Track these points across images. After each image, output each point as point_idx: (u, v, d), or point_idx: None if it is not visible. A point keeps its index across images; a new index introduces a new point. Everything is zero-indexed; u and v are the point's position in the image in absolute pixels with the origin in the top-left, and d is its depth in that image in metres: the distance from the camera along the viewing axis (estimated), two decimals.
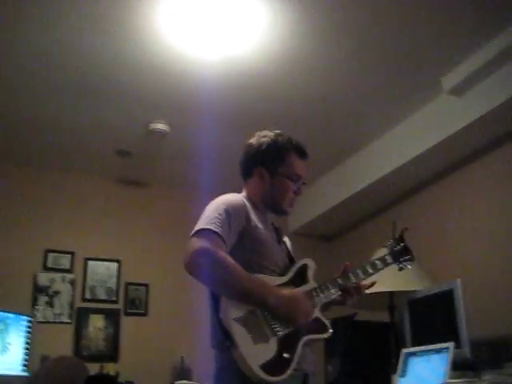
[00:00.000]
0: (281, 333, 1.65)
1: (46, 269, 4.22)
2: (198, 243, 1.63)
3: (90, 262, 4.40)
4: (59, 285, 4.23)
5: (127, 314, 4.38)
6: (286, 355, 1.62)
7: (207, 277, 1.63)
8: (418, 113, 3.67)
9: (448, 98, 3.35)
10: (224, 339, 1.59)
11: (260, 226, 1.83)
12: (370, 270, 1.96)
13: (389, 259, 2.03)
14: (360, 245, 4.44)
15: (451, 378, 2.47)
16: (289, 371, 1.60)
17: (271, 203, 1.92)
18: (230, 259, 1.64)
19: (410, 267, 2.10)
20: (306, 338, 1.69)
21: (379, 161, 4.00)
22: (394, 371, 2.98)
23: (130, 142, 4.08)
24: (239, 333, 1.58)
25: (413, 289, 3.30)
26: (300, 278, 1.83)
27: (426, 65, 3.21)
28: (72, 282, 4.28)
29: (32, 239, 4.24)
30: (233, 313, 1.60)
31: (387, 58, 3.16)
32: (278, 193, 1.91)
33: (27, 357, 3.54)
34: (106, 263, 4.44)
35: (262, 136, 1.97)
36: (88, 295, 4.32)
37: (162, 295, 4.48)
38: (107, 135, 3.99)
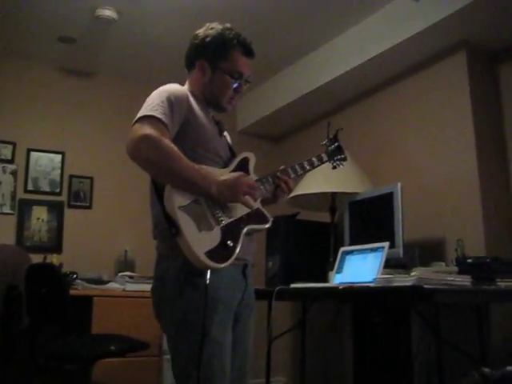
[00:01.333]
0: (224, 222, 1.68)
1: None
2: (142, 130, 1.60)
3: (33, 153, 4.28)
4: (0, 175, 4.13)
5: (71, 207, 4.35)
6: (229, 243, 1.65)
7: (151, 164, 1.62)
8: (374, 15, 3.60)
9: (405, 1, 3.30)
10: (168, 228, 1.60)
11: (202, 117, 1.81)
12: (307, 167, 2.03)
13: (324, 157, 2.11)
14: (305, 147, 4.48)
15: (383, 274, 2.61)
16: (232, 259, 1.64)
17: (210, 98, 1.89)
18: (174, 147, 1.63)
19: (342, 166, 2.18)
20: (247, 228, 1.73)
21: (330, 63, 3.96)
22: (332, 268, 3.13)
23: (74, 28, 3.85)
24: (184, 221, 1.59)
25: (354, 191, 3.40)
26: (241, 170, 1.84)
27: None
28: (14, 173, 4.19)
29: None
30: (177, 201, 1.61)
31: None
32: (218, 88, 1.87)
33: None
34: (49, 155, 4.33)
35: (209, 28, 1.90)
36: (30, 187, 4.24)
37: (107, 188, 4.45)
38: (50, 20, 3.73)
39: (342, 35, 3.87)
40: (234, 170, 1.82)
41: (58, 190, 4.34)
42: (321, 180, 3.43)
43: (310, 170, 2.07)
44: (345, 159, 2.18)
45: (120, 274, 3.96)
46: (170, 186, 1.63)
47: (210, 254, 1.59)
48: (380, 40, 3.52)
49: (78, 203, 4.39)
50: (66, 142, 4.39)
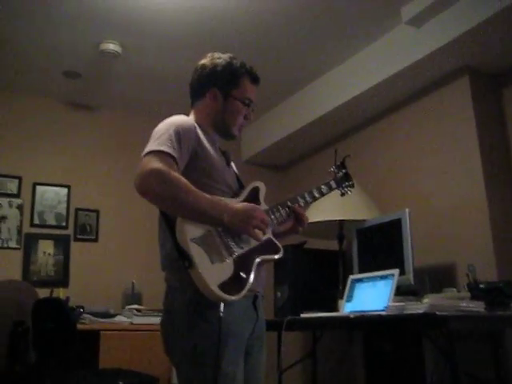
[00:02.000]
0: (236, 253, 1.66)
1: None
2: (150, 164, 1.60)
3: (39, 187, 4.30)
4: (6, 210, 4.14)
5: (77, 240, 4.34)
6: (242, 275, 1.63)
7: (160, 197, 1.61)
8: (375, 43, 3.64)
9: (406, 28, 3.33)
10: (180, 260, 1.59)
11: (209, 148, 1.81)
12: (316, 194, 2.03)
13: (333, 184, 2.11)
14: (311, 175, 4.49)
15: (394, 302, 2.57)
16: (245, 290, 1.62)
17: (221, 126, 1.90)
18: (183, 179, 1.62)
19: (350, 193, 2.18)
20: (259, 259, 1.71)
21: (333, 91, 3.98)
22: (341, 297, 3.09)
23: (78, 62, 3.90)
24: (197, 253, 1.58)
25: (362, 218, 3.38)
26: (252, 200, 1.83)
27: None
28: (20, 207, 4.19)
29: None
30: (190, 233, 1.60)
31: None
32: (230, 115, 1.89)
33: None
34: (55, 188, 4.34)
35: (215, 57, 1.92)
36: (37, 220, 4.25)
37: (113, 221, 4.45)
38: (55, 55, 3.79)
39: (344, 63, 3.90)
40: (244, 200, 1.81)
41: (64, 224, 4.34)
42: (328, 208, 3.41)
43: (319, 198, 2.05)
44: (353, 186, 2.19)
45: (127, 307, 3.91)
46: (182, 217, 1.62)
47: (223, 286, 1.57)
48: (383, 67, 3.54)
49: (85, 236, 4.38)
50: (71, 176, 4.41)
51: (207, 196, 1.65)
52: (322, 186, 2.06)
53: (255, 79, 1.95)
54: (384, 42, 3.57)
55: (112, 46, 3.61)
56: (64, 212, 4.35)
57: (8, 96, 4.29)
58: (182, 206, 1.61)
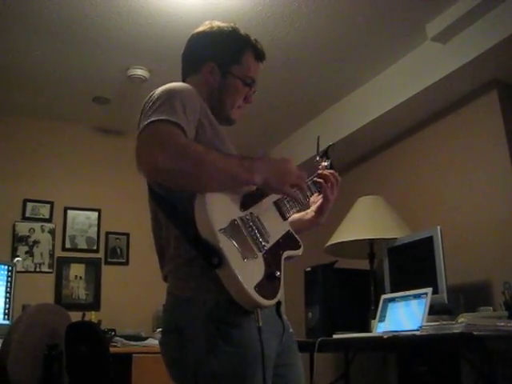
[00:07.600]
0: (266, 247, 1.39)
1: (25, 218, 4.19)
2: (157, 136, 1.36)
3: (70, 212, 4.36)
4: (39, 234, 4.21)
5: (108, 263, 4.38)
6: (275, 274, 1.36)
7: (180, 172, 1.33)
8: (401, 60, 3.63)
9: (432, 44, 3.31)
10: (201, 257, 1.29)
11: (215, 121, 1.54)
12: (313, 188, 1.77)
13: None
14: (341, 194, 4.45)
15: (428, 321, 2.53)
16: (280, 293, 1.35)
17: (217, 107, 1.60)
18: (196, 143, 1.38)
19: None
20: (286, 254, 1.46)
21: (360, 110, 3.97)
22: (374, 317, 3.04)
23: (107, 88, 3.98)
24: (228, 247, 1.28)
25: (393, 236, 3.34)
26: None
27: (411, 11, 3.14)
28: (51, 232, 4.26)
29: (10, 189, 4.17)
30: (216, 223, 1.29)
31: (372, 4, 3.08)
32: (227, 95, 1.61)
33: (8, 306, 3.53)
34: (85, 212, 4.41)
35: (214, 26, 1.64)
36: (68, 244, 4.31)
37: (143, 244, 4.45)
38: (84, 81, 3.87)
39: (370, 81, 3.90)
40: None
41: (95, 247, 4.39)
42: (358, 227, 3.39)
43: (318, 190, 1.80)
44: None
45: (158, 329, 3.92)
46: (206, 188, 1.33)
47: (260, 289, 1.28)
48: (410, 84, 3.52)
49: (115, 260, 4.42)
50: (101, 200, 4.47)
51: (230, 154, 1.43)
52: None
53: (260, 56, 1.69)
54: (410, 59, 3.56)
55: (140, 71, 3.67)
56: (95, 236, 4.40)
57: (39, 122, 4.39)
58: (209, 170, 1.33)
